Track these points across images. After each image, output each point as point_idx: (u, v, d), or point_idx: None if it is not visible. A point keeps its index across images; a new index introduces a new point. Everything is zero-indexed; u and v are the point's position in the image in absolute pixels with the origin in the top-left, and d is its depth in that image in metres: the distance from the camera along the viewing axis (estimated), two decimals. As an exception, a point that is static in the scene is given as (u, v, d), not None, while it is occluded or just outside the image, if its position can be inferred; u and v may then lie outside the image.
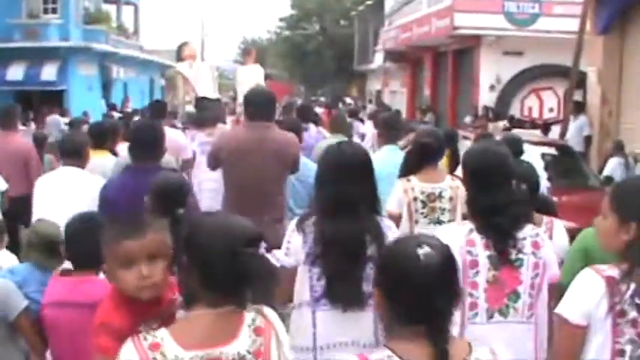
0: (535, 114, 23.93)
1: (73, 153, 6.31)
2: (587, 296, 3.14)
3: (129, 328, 2.78)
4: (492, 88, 23.59)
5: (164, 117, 9.96)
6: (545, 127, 19.22)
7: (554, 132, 21.17)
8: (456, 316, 3.35)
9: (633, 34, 14.78)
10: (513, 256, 3.77)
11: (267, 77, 19.93)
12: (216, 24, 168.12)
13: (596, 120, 15.38)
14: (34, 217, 5.69)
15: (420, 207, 5.88)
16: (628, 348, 3.12)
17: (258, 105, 6.40)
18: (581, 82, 19.16)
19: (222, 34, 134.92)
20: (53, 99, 26.89)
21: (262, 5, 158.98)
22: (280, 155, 6.27)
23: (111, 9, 36.82)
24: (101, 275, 3.58)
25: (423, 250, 2.35)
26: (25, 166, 8.24)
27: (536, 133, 13.74)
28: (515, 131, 12.59)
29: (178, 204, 4.23)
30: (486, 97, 23.39)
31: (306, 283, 3.95)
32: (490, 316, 3.78)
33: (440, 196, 5.89)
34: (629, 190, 3.30)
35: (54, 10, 29.70)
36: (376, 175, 4.13)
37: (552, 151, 11.64)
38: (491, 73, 23.52)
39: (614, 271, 3.12)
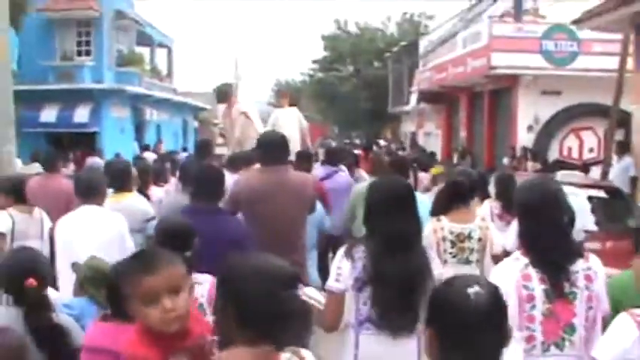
0: (575, 154, 23.46)
1: (89, 192, 6.35)
2: (621, 340, 3.26)
3: None
4: (530, 128, 23.19)
5: (209, 156, 10.08)
6: (585, 168, 18.73)
7: (595, 173, 20.79)
8: (517, 350, 3.48)
9: (679, 70, 14.27)
10: (567, 290, 3.80)
11: None
12: (250, 66, 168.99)
13: (643, 160, 14.81)
14: (58, 257, 5.79)
15: (449, 247, 5.98)
16: None
17: (272, 148, 6.49)
18: (622, 121, 18.66)
19: (255, 76, 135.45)
20: (85, 141, 26.76)
21: (295, 47, 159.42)
22: (299, 197, 6.40)
23: (144, 51, 36.83)
24: None
25: (474, 290, 2.43)
26: (66, 207, 7.99)
27: (583, 175, 13.14)
28: (562, 173, 12.04)
29: (185, 247, 4.17)
30: (524, 138, 22.95)
31: (353, 307, 4.16)
32: (546, 349, 3.80)
33: (469, 237, 5.97)
34: None
35: (87, 53, 29.71)
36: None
37: (601, 194, 11.10)
38: (529, 113, 23.12)
39: None
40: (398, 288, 4.09)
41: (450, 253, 5.96)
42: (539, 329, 3.77)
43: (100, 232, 5.99)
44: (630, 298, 3.95)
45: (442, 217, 6.09)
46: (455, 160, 24.00)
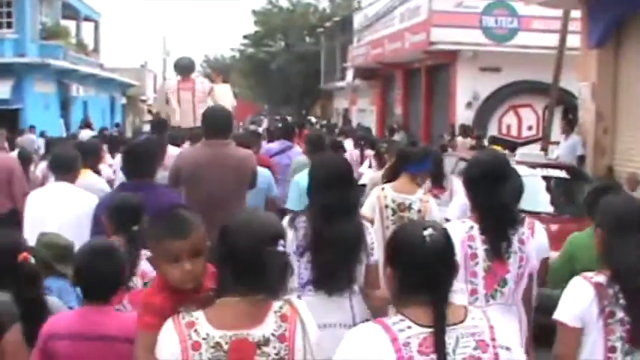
0: (514, 132, 23.22)
1: (64, 168, 6.45)
2: (580, 301, 3.70)
3: (170, 309, 3.03)
4: (469, 105, 22.83)
5: (165, 132, 10.33)
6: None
7: (532, 151, 20.45)
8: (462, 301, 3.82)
9: (629, 46, 13.86)
10: (504, 250, 4.37)
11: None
12: (178, 41, 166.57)
13: (591, 138, 14.40)
14: (26, 233, 5.60)
15: (391, 214, 6.40)
16: (618, 344, 3.67)
17: (215, 123, 6.72)
18: (561, 99, 19.03)
19: (184, 51, 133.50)
20: (8, 118, 25.38)
21: (225, 22, 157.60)
22: (239, 171, 6.62)
23: (70, 25, 35.58)
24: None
25: (428, 232, 2.81)
26: (9, 183, 8.25)
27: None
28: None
29: (133, 222, 4.51)
30: (463, 115, 22.53)
31: (295, 272, 4.27)
32: (487, 300, 4.36)
33: (409, 208, 6.39)
34: (602, 203, 4.08)
35: (9, 25, 28.16)
36: None
37: (563, 174, 10.57)
38: (467, 90, 22.82)
39: (600, 278, 3.71)
40: (334, 253, 4.43)
41: (392, 220, 6.34)
42: (481, 283, 4.35)
43: (71, 209, 5.99)
44: (586, 256, 4.67)
45: (386, 186, 6.57)
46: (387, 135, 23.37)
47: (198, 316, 2.88)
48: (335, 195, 4.55)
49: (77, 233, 5.25)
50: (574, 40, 18.49)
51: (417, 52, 23.96)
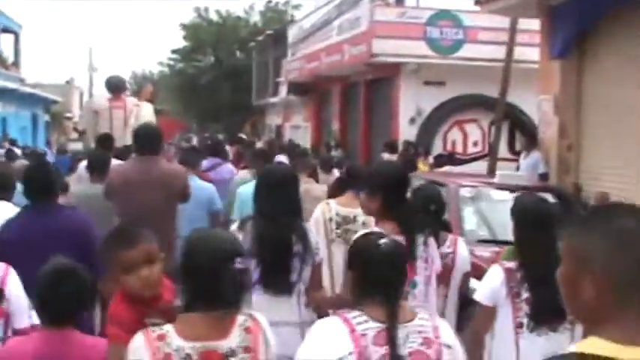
0: (459, 148, 22.21)
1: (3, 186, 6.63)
2: (492, 283, 4.53)
3: (134, 321, 3.37)
4: (413, 120, 21.70)
5: (111, 149, 10.32)
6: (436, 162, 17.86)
7: (477, 168, 19.52)
8: None
9: (594, 57, 12.86)
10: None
11: (159, 112, 18.74)
12: (105, 56, 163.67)
13: (553, 155, 13.34)
14: None
15: (335, 227, 6.49)
16: (525, 321, 4.41)
17: (145, 139, 7.05)
18: (507, 114, 18.30)
19: (110, 67, 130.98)
20: None
21: (153, 36, 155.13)
22: (168, 186, 6.87)
23: (-13, 37, 33.76)
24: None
25: (383, 241, 3.38)
26: None
27: (525, 176, 11.39)
28: (501, 174, 10.36)
29: None
30: (406, 131, 21.41)
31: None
32: None
33: (354, 220, 6.42)
34: (517, 202, 4.94)
35: None
36: None
37: (550, 198, 9.20)
38: (411, 105, 21.70)
39: (511, 264, 4.53)
40: (278, 254, 4.79)
41: (336, 233, 6.47)
42: None
43: None
44: None
45: (331, 201, 6.77)
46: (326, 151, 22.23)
47: (169, 329, 3.03)
48: (279, 200, 4.96)
49: None
50: (522, 52, 18.11)
51: (357, 64, 22.79)
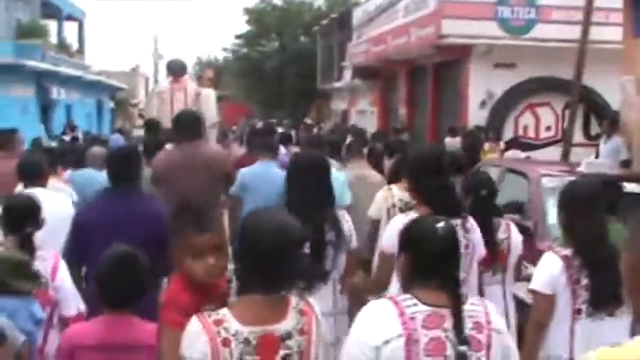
0: (531, 133, 21.33)
1: (35, 174, 6.49)
2: (550, 271, 4.45)
3: (192, 307, 3.27)
4: (483, 104, 20.82)
5: (157, 133, 10.36)
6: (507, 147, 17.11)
7: (550, 154, 18.67)
8: None
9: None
10: None
11: (222, 98, 18.33)
12: (169, 43, 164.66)
13: (637, 140, 12.43)
14: None
15: (399, 213, 6.07)
16: (584, 307, 4.41)
17: (186, 126, 7.16)
18: (582, 97, 17.32)
19: (175, 53, 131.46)
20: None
21: (217, 22, 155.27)
22: (211, 170, 6.94)
23: (52, 25, 33.62)
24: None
25: (440, 225, 3.29)
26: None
27: (612, 165, 10.52)
28: (587, 162, 9.51)
29: (28, 222, 4.63)
30: (476, 115, 20.59)
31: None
32: None
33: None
34: (566, 186, 4.88)
35: (-20, 23, 26.30)
36: None
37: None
38: (481, 88, 20.78)
39: (567, 251, 4.47)
40: (312, 244, 4.38)
41: None
42: None
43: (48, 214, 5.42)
44: None
45: (392, 186, 6.59)
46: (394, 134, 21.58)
47: (225, 313, 3.00)
48: (309, 188, 4.96)
49: (55, 237, 5.46)
50: (598, 32, 17.22)
51: (425, 47, 21.91)
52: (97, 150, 9.20)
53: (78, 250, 5.32)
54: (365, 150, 10.07)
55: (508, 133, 20.35)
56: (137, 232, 4.92)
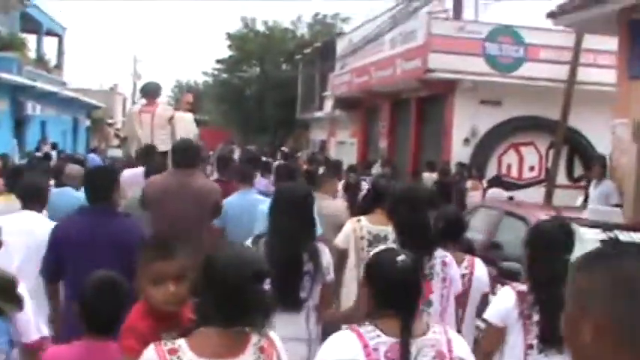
0: (514, 172, 21.07)
1: (34, 196, 6.52)
2: (503, 305, 4.50)
3: (151, 334, 3.32)
4: (467, 141, 20.56)
5: (152, 158, 10.23)
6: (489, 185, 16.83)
7: (532, 194, 18.37)
8: None
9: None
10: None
11: (201, 123, 17.99)
12: (149, 64, 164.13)
13: (630, 185, 12.08)
14: None
15: (367, 245, 6.31)
16: (535, 342, 4.38)
17: (182, 153, 7.35)
18: (567, 138, 17.63)
19: (154, 75, 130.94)
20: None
21: (199, 45, 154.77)
22: (201, 200, 7.08)
23: (31, 39, 33.06)
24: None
25: (400, 258, 3.42)
26: None
27: (620, 212, 10.16)
28: (593, 209, 9.15)
29: None
30: (459, 152, 20.32)
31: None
32: None
33: (385, 238, 6.19)
34: (533, 226, 5.24)
35: (-45, 33, 25.68)
36: None
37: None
38: (465, 125, 20.57)
39: (523, 287, 4.55)
40: (286, 271, 4.82)
41: (367, 251, 6.10)
42: None
43: (36, 239, 5.95)
44: None
45: (362, 218, 6.63)
46: (372, 168, 21.33)
47: (181, 343, 2.97)
48: (292, 218, 5.08)
49: (33, 257, 5.74)
50: (586, 73, 17.66)
51: (410, 80, 21.63)
52: (73, 168, 9.31)
53: (54, 266, 5.41)
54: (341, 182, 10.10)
55: (491, 171, 20.12)
56: (112, 250, 4.99)
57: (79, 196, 7.70)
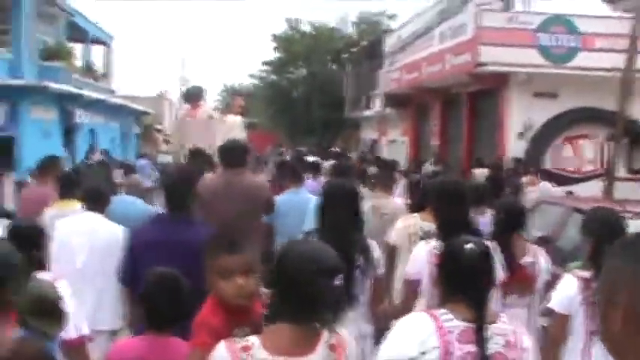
0: (571, 165, 20.41)
1: (94, 198, 6.79)
2: (567, 292, 4.62)
3: (223, 329, 3.42)
4: (521, 135, 19.99)
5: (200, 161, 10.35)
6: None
7: (590, 188, 17.86)
8: None
9: None
10: None
11: (250, 126, 17.94)
12: (196, 68, 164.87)
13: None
14: (52, 259, 5.59)
15: (419, 241, 6.18)
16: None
17: (230, 153, 7.59)
18: (627, 129, 16.82)
19: (202, 79, 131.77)
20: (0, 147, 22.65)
21: (245, 49, 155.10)
22: (251, 198, 7.32)
23: (78, 48, 33.12)
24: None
25: (468, 245, 3.49)
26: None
27: None
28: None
29: (33, 246, 4.60)
30: (515, 147, 19.82)
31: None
32: None
33: (435, 234, 6.02)
34: (591, 213, 5.25)
35: (3, 43, 25.55)
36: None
37: None
38: (520, 119, 20.01)
39: (586, 273, 4.62)
40: None
41: None
42: None
43: (99, 238, 6.39)
44: None
45: (415, 215, 6.65)
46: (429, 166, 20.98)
47: (254, 340, 2.95)
48: (341, 214, 5.13)
49: (104, 262, 6.17)
50: None
51: (461, 75, 21.16)
52: (133, 178, 9.83)
53: (131, 271, 5.46)
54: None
55: (548, 166, 19.49)
56: (188, 258, 4.87)
57: (140, 205, 8.25)
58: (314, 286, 2.91)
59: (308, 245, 3.35)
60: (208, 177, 8.08)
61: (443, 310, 3.42)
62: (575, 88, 19.47)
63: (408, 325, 3.44)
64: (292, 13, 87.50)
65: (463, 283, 3.43)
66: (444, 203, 5.42)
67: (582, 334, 4.54)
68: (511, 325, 3.48)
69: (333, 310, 3.01)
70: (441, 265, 3.66)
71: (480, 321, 3.35)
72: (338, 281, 2.99)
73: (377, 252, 5.33)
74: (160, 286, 3.98)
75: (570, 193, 15.67)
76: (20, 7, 25.40)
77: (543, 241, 7.97)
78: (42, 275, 4.49)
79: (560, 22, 19.70)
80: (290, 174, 9.16)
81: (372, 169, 15.17)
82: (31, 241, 4.66)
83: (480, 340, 3.32)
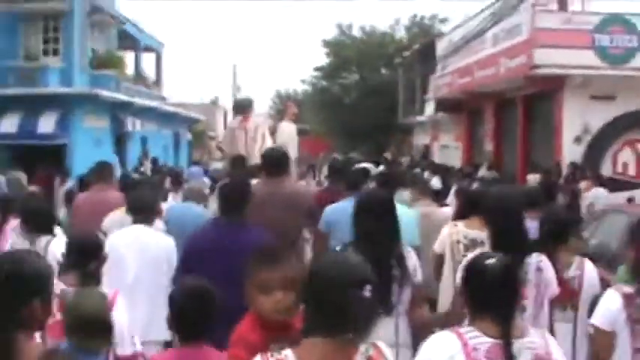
0: (631, 171, 19.80)
1: (141, 209, 6.80)
2: (610, 308, 4.36)
3: (262, 345, 3.27)
4: (578, 140, 19.48)
5: (241, 168, 10.54)
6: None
7: None
8: None
9: None
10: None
11: (302, 132, 18.94)
12: (248, 74, 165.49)
13: None
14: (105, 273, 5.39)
15: (463, 250, 6.42)
16: None
17: (272, 161, 7.58)
18: None
19: (254, 85, 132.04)
20: (50, 155, 22.73)
21: (297, 54, 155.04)
22: (293, 206, 7.19)
23: (129, 56, 33.33)
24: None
25: (491, 261, 3.49)
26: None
27: None
28: None
29: (91, 258, 4.83)
30: (571, 152, 19.31)
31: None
32: None
33: (482, 243, 6.05)
34: (633, 225, 4.86)
35: (55, 52, 25.77)
36: None
37: None
38: (576, 122, 19.54)
39: (630, 289, 4.37)
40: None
41: (464, 256, 6.10)
42: None
43: (150, 251, 6.43)
44: None
45: (458, 223, 6.74)
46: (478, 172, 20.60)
47: (287, 354, 2.93)
48: (377, 224, 5.06)
49: (155, 273, 6.28)
50: None
51: (515, 78, 20.73)
52: (194, 184, 9.87)
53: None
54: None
55: (606, 171, 18.99)
56: (243, 263, 4.84)
57: (198, 211, 8.36)
58: (343, 297, 2.88)
59: (337, 257, 3.37)
60: (253, 185, 7.91)
61: (469, 328, 3.45)
62: (633, 90, 18.98)
63: (433, 345, 3.46)
64: (343, 18, 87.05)
65: (487, 299, 3.44)
66: (498, 215, 5.32)
67: (627, 352, 4.35)
68: (543, 339, 3.46)
69: (365, 321, 2.95)
70: (464, 281, 3.65)
71: (506, 336, 3.35)
72: (368, 292, 2.93)
73: (413, 261, 5.26)
74: (188, 297, 3.97)
75: (630, 200, 15.12)
76: (71, 16, 25.66)
77: (598, 254, 7.60)
78: (98, 289, 4.61)
79: (619, 22, 19.24)
80: (345, 182, 8.78)
81: (427, 175, 14.94)
82: (89, 256, 4.85)
83: (508, 356, 3.32)
